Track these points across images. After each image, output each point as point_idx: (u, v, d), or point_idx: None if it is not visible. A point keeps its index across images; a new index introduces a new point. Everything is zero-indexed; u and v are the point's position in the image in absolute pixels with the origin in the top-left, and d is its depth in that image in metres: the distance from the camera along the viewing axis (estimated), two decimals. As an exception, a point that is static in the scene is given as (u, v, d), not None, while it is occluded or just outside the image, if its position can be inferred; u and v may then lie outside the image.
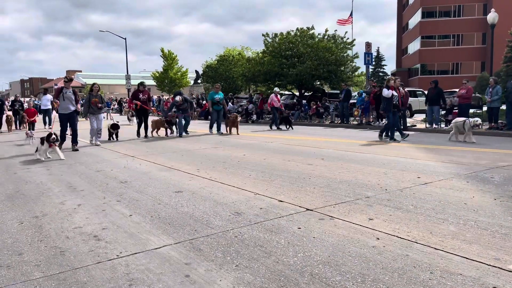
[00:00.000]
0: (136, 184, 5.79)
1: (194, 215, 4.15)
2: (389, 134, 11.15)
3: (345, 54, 24.53)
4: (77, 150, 10.09)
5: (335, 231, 3.54)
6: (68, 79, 10.82)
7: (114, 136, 12.63)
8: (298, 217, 3.98)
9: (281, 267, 2.84)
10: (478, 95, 20.16)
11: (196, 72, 40.37)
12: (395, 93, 11.08)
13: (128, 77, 43.03)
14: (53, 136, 8.59)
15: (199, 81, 38.36)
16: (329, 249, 3.14)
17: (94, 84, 11.96)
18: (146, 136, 13.58)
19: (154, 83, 48.75)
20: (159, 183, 5.77)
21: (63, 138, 10.22)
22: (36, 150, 8.79)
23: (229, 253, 3.11)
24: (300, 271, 2.77)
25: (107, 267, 2.93)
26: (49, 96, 18.91)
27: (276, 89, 17.81)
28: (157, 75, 46.99)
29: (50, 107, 18.33)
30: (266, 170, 6.64)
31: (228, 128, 14.59)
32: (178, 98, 14.18)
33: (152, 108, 19.48)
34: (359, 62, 36.59)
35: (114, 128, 12.68)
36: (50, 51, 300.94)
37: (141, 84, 14.10)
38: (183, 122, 14.02)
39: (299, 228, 3.66)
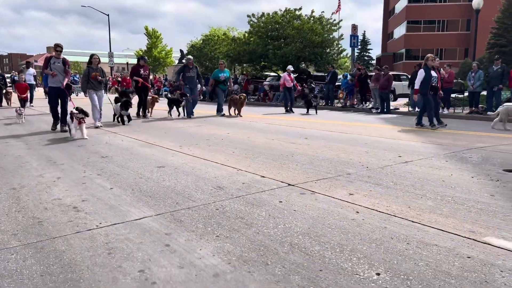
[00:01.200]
0: (117, 159, 5.72)
1: (175, 189, 4.13)
2: (418, 117, 9.98)
3: (331, 36, 24.46)
4: (65, 131, 8.51)
5: (315, 205, 3.57)
6: (59, 48, 9.01)
7: (126, 118, 10.50)
8: (280, 192, 4.01)
9: (261, 237, 2.86)
10: (460, 81, 20.45)
11: (181, 51, 39.78)
12: (434, 74, 9.63)
13: (111, 55, 42.02)
14: (79, 112, 7.56)
15: (183, 60, 37.82)
16: (309, 221, 3.17)
17: (93, 55, 10.14)
18: (145, 115, 12.32)
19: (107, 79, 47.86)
20: (141, 158, 5.71)
21: (55, 116, 9.13)
22: (68, 128, 7.97)
23: (210, 224, 3.12)
24: (280, 241, 2.79)
25: (86, 237, 2.90)
26: (32, 70, 17.84)
27: (290, 67, 16.26)
28: (141, 53, 46.09)
29: (33, 82, 17.52)
30: (249, 148, 6.63)
31: (234, 110, 13.31)
32: (185, 61, 12.90)
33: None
34: (345, 45, 36.54)
35: (126, 107, 10.33)
36: (31, 27, 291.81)
37: (142, 58, 12.71)
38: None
39: (281, 201, 3.69)
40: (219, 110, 13.58)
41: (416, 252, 2.59)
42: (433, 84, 9.57)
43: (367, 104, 17.01)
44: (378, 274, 2.31)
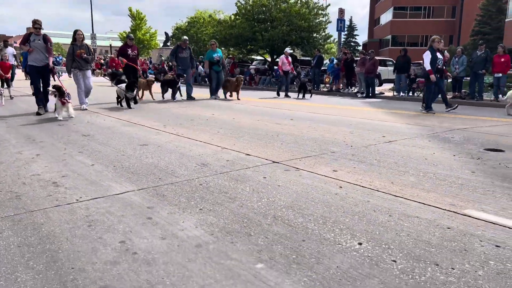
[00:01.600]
0: (99, 137, 5.61)
1: (158, 165, 4.08)
2: (427, 102, 9.53)
3: (318, 21, 24.33)
4: (47, 111, 8.25)
5: (299, 180, 3.57)
6: (37, 24, 8.12)
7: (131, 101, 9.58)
8: (264, 168, 3.99)
9: (245, 210, 2.85)
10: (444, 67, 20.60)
11: (166, 34, 39.09)
12: (439, 56, 9.40)
13: (93, 37, 41.09)
14: (60, 90, 7.30)
15: (168, 43, 37.27)
16: (293, 195, 3.17)
17: (76, 31, 9.08)
18: (135, 101, 10.45)
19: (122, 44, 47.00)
20: (123, 137, 5.62)
21: (39, 100, 8.30)
22: (55, 109, 7.67)
23: (193, 199, 3.09)
24: (263, 214, 2.78)
25: (65, 210, 2.84)
26: (11, 50, 17.04)
27: (287, 49, 15.56)
28: (125, 35, 45.18)
29: (14, 62, 16.85)
30: (234, 128, 6.59)
31: (230, 93, 13.00)
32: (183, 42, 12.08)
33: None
34: (332, 29, 36.40)
35: (132, 88, 9.39)
36: (10, 6, 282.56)
37: (129, 37, 11.74)
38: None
39: (265, 177, 3.67)
40: (213, 92, 13.12)
41: (398, 223, 2.61)
42: (438, 67, 9.35)
43: (352, 89, 17.07)
44: (360, 243, 2.32)
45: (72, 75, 8.98)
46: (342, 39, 36.85)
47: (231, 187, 3.39)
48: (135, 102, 9.78)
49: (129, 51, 11.29)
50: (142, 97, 12.21)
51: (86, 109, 8.95)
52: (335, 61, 18.39)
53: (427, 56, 9.27)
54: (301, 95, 14.41)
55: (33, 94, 8.57)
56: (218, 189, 3.33)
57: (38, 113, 8.16)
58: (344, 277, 1.95)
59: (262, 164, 4.15)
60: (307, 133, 6.10)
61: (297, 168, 3.98)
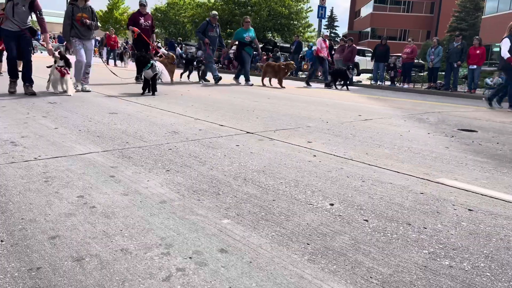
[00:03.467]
0: (66, 105, 5.35)
1: (127, 131, 3.90)
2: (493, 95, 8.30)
3: (298, 7, 24.19)
4: (33, 93, 6.15)
5: (273, 149, 3.47)
6: None
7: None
8: (238, 138, 3.87)
9: (215, 172, 2.72)
10: (421, 61, 20.93)
11: (96, 21, 38.06)
12: None
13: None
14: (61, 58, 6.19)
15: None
16: (266, 161, 3.06)
17: None
18: (153, 90, 7.27)
19: (99, 24, 45.53)
20: (93, 106, 5.38)
21: (13, 73, 6.32)
22: (48, 80, 6.61)
23: (161, 161, 2.94)
24: (234, 176, 2.66)
25: (21, 167, 2.65)
26: None
27: (325, 31, 13.99)
28: (101, 14, 43.80)
29: None
30: (209, 103, 6.43)
31: (270, 79, 11.40)
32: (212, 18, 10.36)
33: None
34: (312, 19, 36.32)
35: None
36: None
37: (141, 3, 9.35)
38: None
39: (237, 145, 3.55)
40: (247, 78, 11.13)
41: (371, 188, 2.55)
42: None
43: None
44: (332, 204, 2.24)
45: (72, 45, 7.10)
46: (323, 30, 36.86)
47: (202, 152, 3.25)
48: (154, 88, 7.19)
49: (142, 20, 9.18)
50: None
51: (89, 91, 7.06)
52: (314, 47, 18.33)
53: (505, 44, 7.96)
54: (335, 85, 12.37)
55: (8, 70, 6.36)
56: (188, 153, 3.19)
57: (11, 91, 6.33)
58: (314, 233, 1.86)
59: (235, 134, 4.02)
60: (283, 110, 6.00)
61: (271, 139, 3.88)
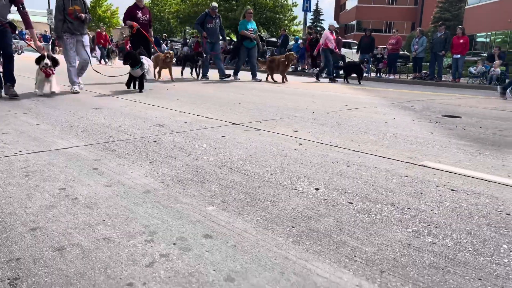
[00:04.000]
0: (49, 101, 5.27)
1: (111, 126, 3.85)
2: None
3: (283, 1, 24.16)
4: (15, 96, 5.57)
5: (259, 138, 3.46)
6: None
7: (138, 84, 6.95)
8: (224, 129, 3.85)
9: (200, 162, 2.70)
10: (406, 53, 21.10)
11: (89, 14, 37.60)
12: None
13: (49, 12, 38.95)
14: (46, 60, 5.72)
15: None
16: (251, 150, 3.05)
17: None
18: (140, 87, 6.89)
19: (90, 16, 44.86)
20: (75, 102, 5.30)
21: None
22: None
23: (145, 153, 2.91)
24: (219, 165, 2.65)
25: (1, 162, 2.59)
26: None
27: (333, 22, 12.68)
28: (84, 12, 43.18)
29: None
30: (195, 96, 6.39)
31: (272, 75, 10.58)
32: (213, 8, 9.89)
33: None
34: (298, 12, 36.28)
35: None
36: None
37: None
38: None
39: (223, 136, 3.53)
40: (255, 74, 10.60)
41: (356, 172, 2.56)
42: None
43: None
44: (317, 189, 2.24)
45: (62, 41, 6.44)
46: (308, 23, 36.89)
47: (187, 143, 3.23)
48: (141, 85, 6.86)
49: (140, 14, 8.54)
50: (159, 77, 9.76)
51: (77, 92, 6.37)
52: (300, 41, 18.34)
53: None
54: (346, 80, 11.80)
55: None
56: (173, 145, 3.17)
57: None
58: (299, 216, 1.86)
59: (221, 125, 4.00)
60: (269, 102, 6.00)
61: (257, 129, 3.87)
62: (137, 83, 6.98)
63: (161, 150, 3.00)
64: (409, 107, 5.76)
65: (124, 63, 6.67)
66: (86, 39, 6.63)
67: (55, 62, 5.92)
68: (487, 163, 2.86)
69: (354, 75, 11.70)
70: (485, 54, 19.07)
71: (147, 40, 8.63)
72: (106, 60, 18.89)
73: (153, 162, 2.69)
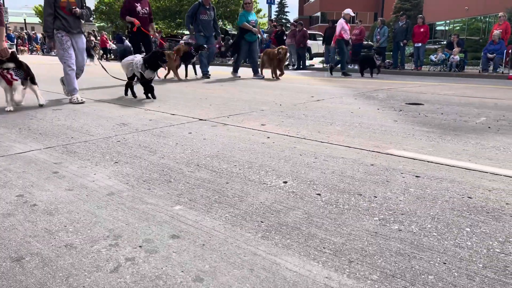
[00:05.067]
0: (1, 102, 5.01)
1: (72, 127, 3.71)
2: None
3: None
4: None
5: (226, 134, 3.42)
6: None
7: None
8: (190, 125, 3.79)
9: (166, 161, 2.65)
10: (370, 43, 21.48)
11: (88, 8, 36.43)
12: None
13: (4, 11, 37.19)
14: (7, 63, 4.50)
15: (91, 18, 34.80)
16: (219, 146, 3.02)
17: None
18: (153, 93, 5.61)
19: (38, 20, 43.08)
20: (32, 103, 5.07)
21: None
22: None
23: (108, 154, 2.82)
24: (186, 163, 2.60)
25: (-47, 170, 2.44)
26: None
27: (349, 10, 11.11)
28: (40, 9, 41.46)
29: None
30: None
31: (272, 69, 9.52)
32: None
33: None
34: (262, 3, 36.23)
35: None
36: None
37: None
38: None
39: (190, 133, 3.47)
40: (256, 70, 9.88)
41: (323, 164, 2.57)
42: None
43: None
44: (285, 182, 2.24)
45: (56, 40, 5.25)
46: (273, 16, 36.95)
47: (152, 142, 3.15)
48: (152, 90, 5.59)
49: (139, 7, 7.45)
50: (166, 75, 9.21)
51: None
52: (265, 35, 18.32)
53: None
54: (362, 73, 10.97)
55: None
56: (138, 144, 3.08)
57: None
58: (267, 211, 1.85)
59: (187, 122, 3.94)
60: (237, 96, 5.96)
61: (224, 124, 3.83)
62: (135, 89, 5.83)
63: (125, 150, 2.91)
64: (374, 96, 5.87)
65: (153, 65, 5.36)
66: (83, 41, 5.49)
67: (21, 67, 4.68)
68: (449, 148, 2.95)
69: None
70: (445, 42, 19.71)
71: (148, 37, 7.67)
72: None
73: (117, 162, 2.61)
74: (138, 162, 2.61)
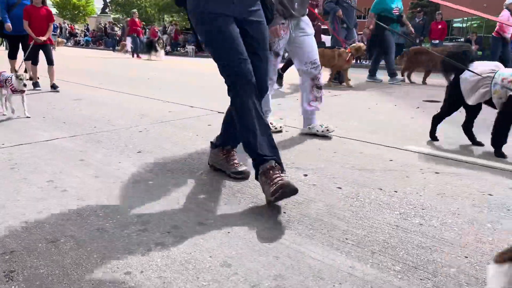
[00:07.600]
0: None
1: (94, 117, 3.79)
2: None
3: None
4: None
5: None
6: None
7: None
8: (208, 118, 3.84)
9: (188, 151, 2.70)
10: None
11: (104, 0, 36.85)
12: None
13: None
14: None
15: (107, 10, 35.17)
16: (238, 138, 3.06)
17: None
18: None
19: (56, 11, 43.50)
20: (53, 93, 5.19)
21: None
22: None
23: (131, 143, 2.89)
24: (208, 153, 2.65)
25: (-16, 156, 2.54)
26: None
27: None
28: (58, 0, 41.89)
29: None
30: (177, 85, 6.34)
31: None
32: None
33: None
34: None
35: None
36: None
37: None
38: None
39: (209, 125, 3.53)
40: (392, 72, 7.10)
41: (343, 158, 2.60)
42: None
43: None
44: (305, 175, 2.28)
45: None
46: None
47: (173, 133, 3.22)
48: None
49: None
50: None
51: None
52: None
53: None
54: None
55: None
56: (159, 134, 3.15)
57: None
58: (289, 202, 1.89)
59: (206, 114, 4.00)
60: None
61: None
62: None
63: (147, 141, 2.98)
64: (390, 93, 5.85)
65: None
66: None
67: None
68: (468, 145, 2.95)
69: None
70: (462, 40, 19.43)
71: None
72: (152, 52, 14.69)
73: (140, 152, 2.67)
74: (160, 152, 2.67)
